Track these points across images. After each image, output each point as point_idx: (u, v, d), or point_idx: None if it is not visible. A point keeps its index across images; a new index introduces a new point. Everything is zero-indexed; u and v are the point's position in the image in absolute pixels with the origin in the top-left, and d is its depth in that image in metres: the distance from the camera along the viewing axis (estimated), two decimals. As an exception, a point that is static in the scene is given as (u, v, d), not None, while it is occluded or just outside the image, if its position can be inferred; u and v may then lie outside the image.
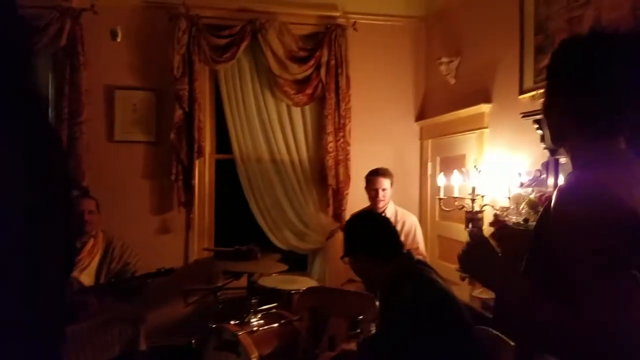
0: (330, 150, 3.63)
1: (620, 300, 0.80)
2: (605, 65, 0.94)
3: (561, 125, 1.02)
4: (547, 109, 1.06)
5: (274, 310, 2.93)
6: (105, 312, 2.80)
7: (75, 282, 2.81)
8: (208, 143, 3.70)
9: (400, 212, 3.33)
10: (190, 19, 3.42)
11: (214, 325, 2.74)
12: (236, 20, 3.51)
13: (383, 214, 3.19)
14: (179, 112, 3.44)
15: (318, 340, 2.55)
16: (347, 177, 3.70)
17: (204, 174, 3.70)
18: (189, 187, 3.53)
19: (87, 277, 2.89)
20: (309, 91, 3.58)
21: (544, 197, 2.36)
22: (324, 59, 3.59)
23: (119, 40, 3.28)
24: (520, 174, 2.60)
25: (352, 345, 2.04)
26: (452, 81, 3.53)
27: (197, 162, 3.56)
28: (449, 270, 3.39)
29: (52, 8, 3.24)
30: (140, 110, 3.55)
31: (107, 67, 3.50)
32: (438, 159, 3.76)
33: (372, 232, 1.89)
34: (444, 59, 3.48)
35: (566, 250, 0.88)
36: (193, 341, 2.96)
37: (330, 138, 3.62)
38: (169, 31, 3.42)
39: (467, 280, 2.85)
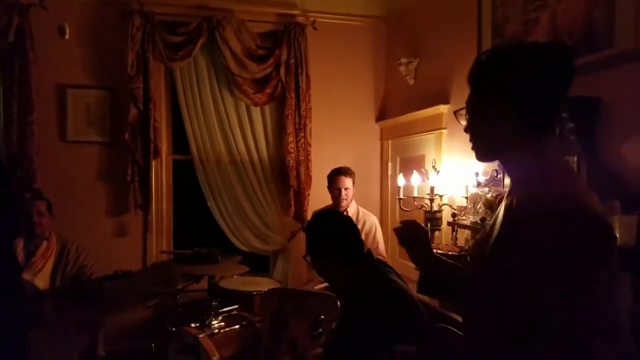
0: (291, 150, 3.60)
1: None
2: (534, 69, 0.99)
3: (503, 133, 1.03)
4: (484, 122, 1.07)
5: (235, 312, 2.90)
6: (62, 318, 2.72)
7: (30, 286, 2.72)
8: (165, 143, 3.61)
9: (361, 211, 3.34)
10: (144, 16, 3.32)
11: (174, 329, 2.69)
12: (192, 17, 3.43)
13: (345, 214, 3.22)
14: (133, 112, 3.35)
15: (279, 342, 2.54)
16: (309, 178, 3.68)
17: (161, 175, 3.61)
18: (145, 189, 3.44)
19: (41, 281, 2.81)
20: (268, 90, 3.54)
21: (499, 196, 2.42)
22: (284, 57, 3.55)
23: (67, 37, 3.16)
24: (477, 174, 2.64)
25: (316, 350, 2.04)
26: (412, 82, 3.55)
27: (153, 163, 3.47)
28: (409, 268, 3.42)
29: (-1, 3, 3.09)
30: (94, 109, 3.44)
31: (59, 65, 3.37)
32: (398, 159, 3.79)
33: (334, 232, 1.86)
34: (404, 60, 3.50)
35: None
36: (153, 345, 2.90)
37: (290, 138, 3.59)
38: (122, 28, 3.32)
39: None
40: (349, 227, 1.91)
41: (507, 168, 1.10)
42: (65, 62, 3.38)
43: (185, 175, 3.73)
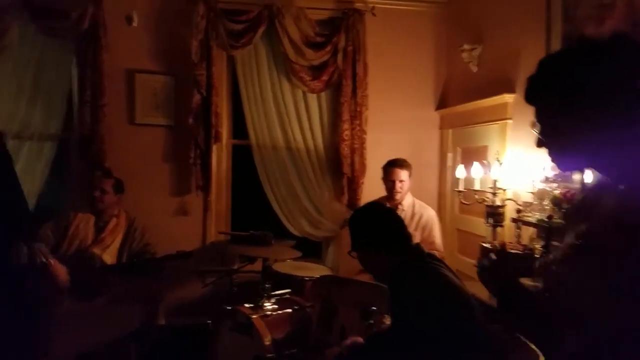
0: (346, 138, 3.59)
1: None
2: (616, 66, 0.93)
3: (592, 136, 0.96)
4: (571, 131, 0.98)
5: (287, 296, 2.96)
6: (126, 288, 2.92)
7: (98, 260, 2.92)
8: (225, 128, 3.72)
9: (417, 204, 3.26)
10: (208, 4, 3.41)
11: (228, 308, 2.79)
12: (253, 5, 3.48)
13: (399, 206, 3.18)
14: (197, 97, 3.47)
15: (329, 329, 2.57)
16: (363, 166, 3.66)
17: (221, 159, 3.74)
18: (206, 171, 3.58)
19: (109, 256, 2.98)
20: (325, 77, 3.54)
21: (569, 193, 2.28)
22: (341, 44, 3.53)
23: (134, 25, 3.31)
24: (544, 168, 2.50)
25: (360, 338, 2.05)
26: (475, 69, 3.41)
27: (214, 147, 3.59)
28: (467, 265, 3.33)
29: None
30: (160, 94, 3.60)
31: (128, 51, 3.54)
32: (458, 149, 3.67)
33: (375, 225, 1.85)
34: (466, 46, 3.36)
35: None
36: (209, 321, 3.03)
37: (345, 126, 3.58)
38: (187, 16, 3.43)
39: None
40: (391, 219, 1.88)
41: (598, 169, 1.02)
42: (134, 49, 3.55)
43: (243, 160, 3.83)
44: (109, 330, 2.60)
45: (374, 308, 2.28)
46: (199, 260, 3.48)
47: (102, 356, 2.51)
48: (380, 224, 1.86)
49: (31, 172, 3.44)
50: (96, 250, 2.93)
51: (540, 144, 1.04)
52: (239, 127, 3.80)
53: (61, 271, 2.47)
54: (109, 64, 3.43)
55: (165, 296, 3.22)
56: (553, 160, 1.03)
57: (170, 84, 3.60)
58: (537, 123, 1.04)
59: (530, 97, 1.03)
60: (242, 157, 3.84)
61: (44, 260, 2.36)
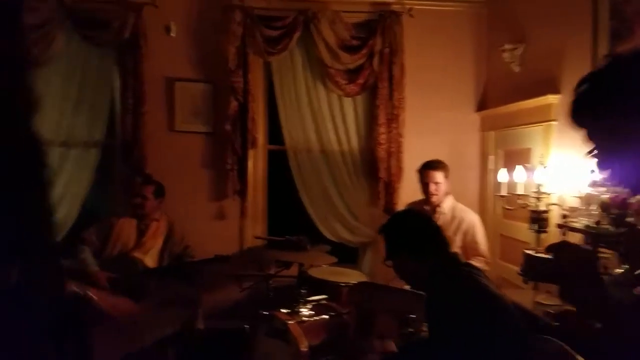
0: (382, 141, 3.54)
1: None
2: None
3: None
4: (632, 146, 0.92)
5: (323, 302, 2.93)
6: (167, 292, 2.97)
7: (140, 264, 2.99)
8: (261, 134, 3.75)
9: (459, 208, 3.15)
10: (244, 11, 3.45)
11: (265, 313, 2.80)
12: (289, 10, 3.50)
13: (437, 209, 3.09)
14: (233, 104, 3.51)
15: (366, 337, 2.53)
16: (399, 170, 3.59)
17: (257, 164, 3.77)
18: (242, 176, 3.62)
19: (150, 259, 3.05)
20: (360, 81, 3.51)
21: (618, 198, 2.15)
22: (378, 47, 3.48)
23: (173, 35, 3.38)
24: (592, 172, 2.36)
25: (393, 345, 2.00)
26: (517, 69, 3.29)
27: (250, 153, 3.63)
28: (510, 272, 3.22)
29: (116, 3, 3.41)
30: (199, 101, 3.67)
31: (167, 60, 3.63)
32: (500, 152, 3.54)
33: (409, 233, 1.79)
34: (507, 46, 3.24)
35: None
36: (246, 326, 3.06)
37: (382, 129, 3.53)
38: (224, 24, 3.48)
39: (530, 284, 2.67)
40: (426, 226, 1.82)
41: None
42: (173, 57, 3.63)
43: (279, 165, 3.84)
44: (150, 334, 2.66)
45: (412, 316, 2.23)
46: (236, 264, 3.52)
47: (143, 360, 2.56)
48: (415, 232, 1.80)
49: (77, 178, 3.57)
50: (138, 254, 3.00)
51: (595, 161, 0.97)
52: (275, 132, 3.82)
53: (105, 300, 2.44)
54: (149, 73, 3.52)
55: (204, 300, 3.27)
56: (613, 179, 0.95)
57: (209, 91, 3.66)
58: (589, 142, 0.97)
59: (580, 121, 0.96)
60: (278, 162, 3.85)
61: (84, 293, 2.39)
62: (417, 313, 2.19)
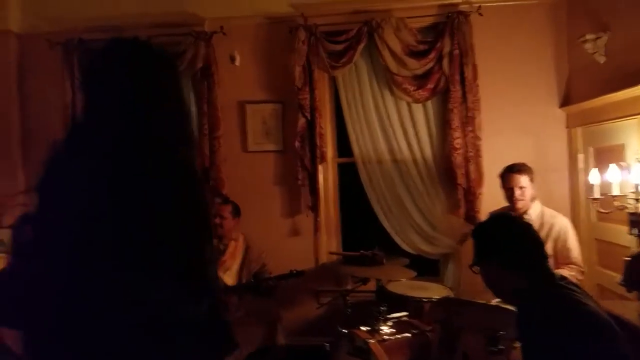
0: (458, 146, 3.37)
1: None
2: None
3: None
4: None
5: (404, 319, 2.83)
6: (247, 309, 3.02)
7: (220, 282, 3.07)
8: (330, 148, 3.75)
9: (547, 213, 2.91)
10: (308, 29, 3.51)
11: (345, 330, 2.77)
12: (352, 23, 3.50)
13: (524, 216, 2.87)
14: (301, 121, 3.56)
15: (451, 355, 2.39)
16: (480, 175, 3.39)
17: (327, 178, 3.77)
18: (314, 192, 3.62)
19: (229, 278, 3.12)
20: (430, 86, 3.39)
21: None
22: (446, 49, 3.35)
23: (237, 64, 3.51)
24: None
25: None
26: (602, 60, 2.99)
27: (320, 167, 3.63)
28: (609, 278, 2.91)
29: (188, 34, 3.62)
30: (269, 121, 3.76)
31: (238, 84, 3.77)
32: (591, 149, 3.22)
33: (507, 238, 1.63)
34: (589, 36, 2.98)
35: None
36: (327, 344, 3.01)
37: (457, 133, 3.37)
38: (289, 43, 3.56)
39: (634, 293, 2.37)
40: (526, 233, 1.66)
41: None
42: (242, 81, 3.77)
43: (350, 178, 3.80)
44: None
45: (501, 333, 2.05)
46: (312, 280, 3.51)
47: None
48: (512, 237, 1.64)
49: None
50: (218, 273, 3.08)
51: None
52: (343, 145, 3.80)
53: None
54: (222, 98, 3.68)
55: (282, 315, 3.28)
56: None
57: (278, 111, 3.74)
58: None
59: None
60: (349, 175, 3.81)
61: None
62: (506, 330, 2.02)
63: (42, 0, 3.87)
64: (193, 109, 3.78)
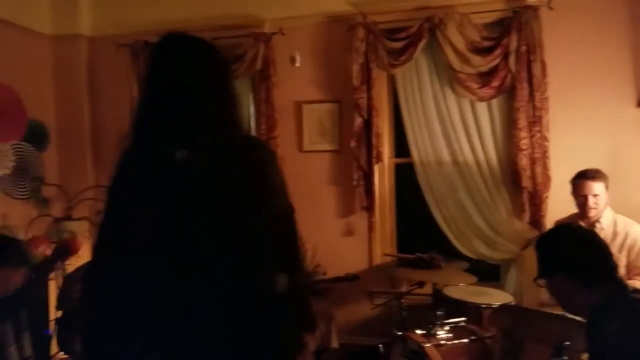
0: (524, 147, 3.22)
1: None
2: None
3: None
4: None
5: (462, 324, 2.76)
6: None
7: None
8: (386, 148, 3.70)
9: (621, 221, 2.76)
10: (367, 27, 3.46)
11: (399, 333, 2.74)
12: (413, 20, 3.42)
13: (596, 225, 2.73)
14: (358, 120, 3.52)
15: (513, 364, 2.31)
16: (546, 178, 3.22)
17: (383, 179, 3.71)
18: (369, 192, 3.58)
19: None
20: (495, 83, 3.25)
21: None
22: (513, 46, 3.20)
23: (297, 65, 3.52)
24: None
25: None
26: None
27: (376, 167, 3.59)
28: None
29: (248, 35, 3.68)
30: (325, 121, 3.76)
31: (295, 84, 3.79)
32: (673, 152, 2.98)
33: (575, 248, 1.57)
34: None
35: None
36: (380, 345, 2.99)
37: (523, 134, 3.22)
38: (346, 42, 3.53)
39: None
40: (595, 243, 1.59)
41: None
42: (300, 81, 3.78)
43: (406, 178, 3.73)
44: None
45: (567, 343, 1.95)
46: (367, 281, 3.48)
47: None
48: (581, 247, 1.57)
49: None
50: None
51: None
52: (401, 145, 3.73)
53: None
54: (279, 99, 3.71)
55: (335, 315, 3.28)
56: None
57: (334, 110, 3.72)
58: None
59: None
60: (406, 176, 3.74)
61: None
62: (573, 340, 1.92)
63: (111, 5, 4.06)
64: (251, 109, 3.86)
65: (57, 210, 3.94)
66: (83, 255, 3.39)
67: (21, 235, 3.58)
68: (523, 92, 3.21)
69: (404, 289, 3.41)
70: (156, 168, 1.17)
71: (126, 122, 4.11)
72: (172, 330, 1.08)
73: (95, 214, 3.99)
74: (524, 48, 3.19)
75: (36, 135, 3.90)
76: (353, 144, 3.53)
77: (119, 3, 4.03)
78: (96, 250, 1.27)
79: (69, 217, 3.81)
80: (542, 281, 1.64)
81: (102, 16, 4.07)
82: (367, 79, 3.48)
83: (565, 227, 2.18)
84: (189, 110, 1.19)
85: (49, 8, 4.03)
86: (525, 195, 3.26)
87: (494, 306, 2.77)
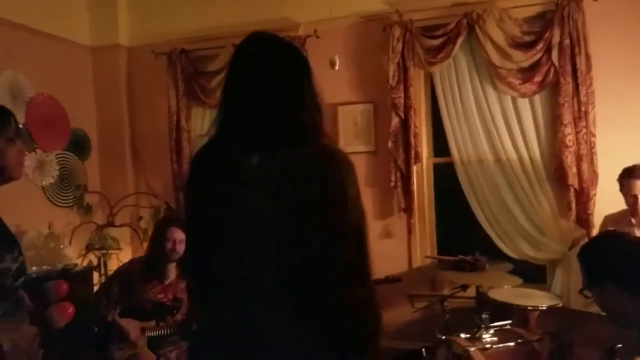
0: (569, 144, 3.12)
1: None
2: None
3: None
4: None
5: (508, 327, 2.69)
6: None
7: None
8: (425, 148, 3.64)
9: None
10: (403, 25, 3.43)
11: (443, 337, 2.68)
12: (450, 17, 3.37)
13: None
14: (395, 120, 3.48)
15: (563, 369, 2.22)
16: (594, 175, 3.12)
17: (421, 179, 3.66)
18: (407, 193, 3.53)
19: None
20: (537, 79, 3.17)
21: None
22: (556, 39, 3.12)
23: (336, 68, 3.49)
24: None
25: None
26: None
27: (414, 168, 3.53)
28: None
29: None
30: (360, 122, 3.73)
31: (330, 86, 3.72)
32: None
33: (624, 257, 1.52)
34: None
35: None
36: (423, 349, 2.94)
37: (568, 130, 3.12)
38: (382, 42, 3.51)
39: None
40: (637, 250, 1.53)
41: None
42: (335, 83, 3.74)
43: (446, 178, 3.66)
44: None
45: (619, 346, 1.87)
46: (407, 284, 3.42)
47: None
48: (629, 256, 1.52)
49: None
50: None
51: None
52: (440, 144, 3.67)
53: None
54: (317, 103, 3.70)
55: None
56: None
57: (369, 111, 3.70)
58: None
59: None
60: (444, 175, 3.67)
61: None
62: (625, 342, 1.84)
63: (147, 15, 4.15)
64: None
65: (99, 217, 4.04)
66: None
67: (66, 242, 3.69)
68: (567, 86, 3.11)
69: (445, 291, 3.35)
70: (233, 171, 1.16)
71: (164, 129, 4.24)
72: (253, 346, 1.10)
73: (137, 220, 4.07)
74: (567, 41, 3.10)
75: (79, 144, 4.02)
76: (390, 144, 3.49)
77: (155, 13, 4.12)
78: (191, 248, 1.27)
79: (111, 224, 3.90)
80: (588, 292, 1.59)
81: (139, 26, 4.17)
82: (404, 78, 3.44)
83: (611, 234, 2.09)
84: (272, 113, 1.17)
85: (88, 20, 4.16)
86: (572, 194, 3.16)
87: (541, 308, 2.69)
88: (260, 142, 1.15)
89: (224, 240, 1.13)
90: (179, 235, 2.95)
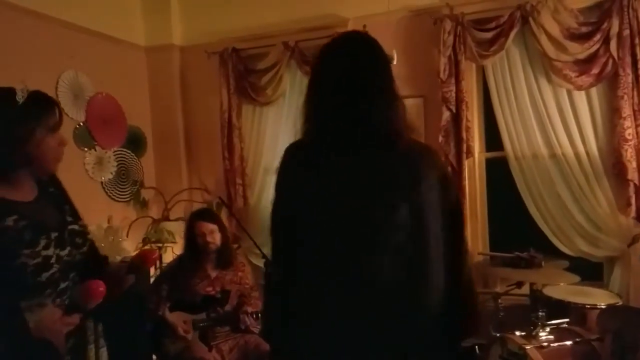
0: (629, 137, 3.03)
1: None
2: None
3: None
4: None
5: (565, 326, 2.65)
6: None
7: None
8: (477, 142, 3.60)
9: None
10: (454, 19, 3.41)
11: (498, 334, 2.68)
12: (502, 9, 3.32)
13: None
14: (446, 114, 3.46)
15: (626, 369, 2.18)
16: (656, 169, 3.02)
17: (473, 174, 3.61)
18: (459, 188, 3.46)
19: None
20: (595, 71, 3.09)
21: None
22: (614, 30, 3.03)
23: (394, 62, 3.49)
24: None
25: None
26: None
27: (466, 163, 3.50)
28: None
29: (332, 36, 3.70)
30: (410, 117, 3.70)
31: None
32: None
33: None
34: None
35: None
36: (477, 346, 2.92)
37: (628, 123, 3.03)
38: (433, 35, 3.49)
39: None
40: None
41: None
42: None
43: (498, 173, 3.61)
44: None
45: None
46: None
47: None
48: None
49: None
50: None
51: None
52: (492, 139, 3.62)
53: None
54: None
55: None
56: None
57: (419, 106, 3.68)
58: None
59: None
60: (497, 170, 3.62)
61: None
62: None
63: (200, 15, 4.27)
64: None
65: (154, 212, 4.20)
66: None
67: (124, 236, 3.85)
68: (627, 78, 3.03)
69: (498, 288, 3.31)
70: (327, 169, 1.21)
71: (216, 127, 4.36)
72: (354, 329, 1.22)
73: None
74: (626, 32, 3.01)
75: (135, 141, 4.19)
76: (441, 139, 3.47)
77: (207, 13, 4.23)
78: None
79: (166, 218, 4.04)
80: None
81: (192, 26, 4.30)
82: (455, 72, 3.41)
83: None
84: (364, 112, 1.22)
85: (143, 21, 4.32)
86: (631, 189, 3.06)
87: (600, 307, 2.64)
88: (356, 143, 1.19)
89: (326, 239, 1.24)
90: (207, 227, 3.07)
